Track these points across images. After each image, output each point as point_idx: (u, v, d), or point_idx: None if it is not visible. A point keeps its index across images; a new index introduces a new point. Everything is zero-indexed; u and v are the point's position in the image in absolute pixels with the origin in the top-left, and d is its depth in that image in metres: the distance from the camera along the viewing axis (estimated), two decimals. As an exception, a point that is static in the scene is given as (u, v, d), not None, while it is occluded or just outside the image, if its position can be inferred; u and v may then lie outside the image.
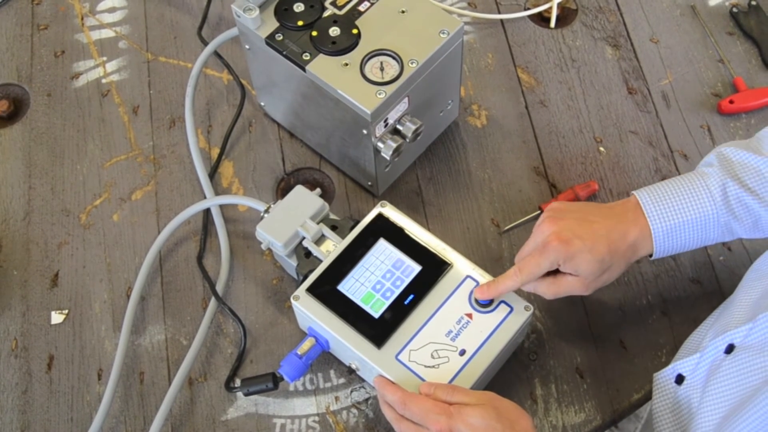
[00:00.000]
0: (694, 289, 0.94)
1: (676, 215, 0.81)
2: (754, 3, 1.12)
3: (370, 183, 0.99)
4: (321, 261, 0.88)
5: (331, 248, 0.89)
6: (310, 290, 0.85)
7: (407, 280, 0.86)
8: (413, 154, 1.02)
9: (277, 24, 0.91)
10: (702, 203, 0.81)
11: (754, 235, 0.84)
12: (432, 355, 0.82)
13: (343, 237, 0.89)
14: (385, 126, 0.90)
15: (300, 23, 0.90)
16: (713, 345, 0.77)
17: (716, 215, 0.82)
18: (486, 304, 0.84)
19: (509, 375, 0.89)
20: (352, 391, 0.90)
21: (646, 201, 0.82)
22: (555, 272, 0.84)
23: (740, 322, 0.75)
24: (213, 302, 0.94)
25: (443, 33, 0.90)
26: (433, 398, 0.78)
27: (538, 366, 0.90)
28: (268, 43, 0.90)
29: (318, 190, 0.93)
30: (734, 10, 1.12)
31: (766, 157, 0.82)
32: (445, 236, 0.95)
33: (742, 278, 0.84)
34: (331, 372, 0.91)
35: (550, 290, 0.84)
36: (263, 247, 0.90)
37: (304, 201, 0.91)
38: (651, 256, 0.84)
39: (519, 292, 0.88)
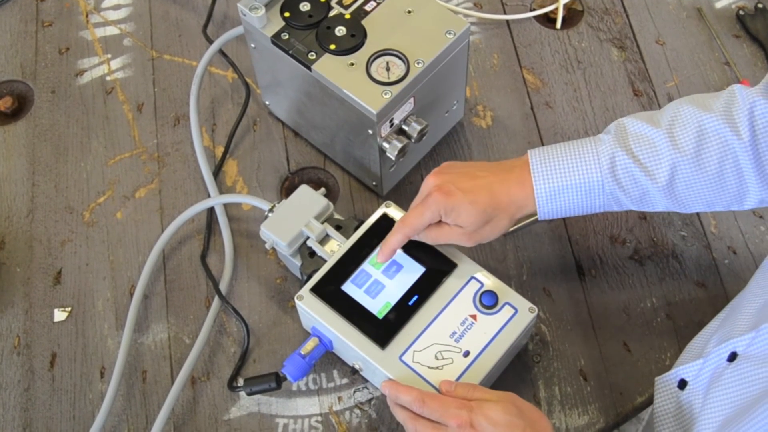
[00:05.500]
0: (698, 292, 0.94)
1: (561, 178, 0.81)
2: (760, 6, 1.12)
3: (374, 183, 0.99)
4: (325, 261, 0.88)
5: (336, 248, 0.89)
6: (314, 290, 0.85)
7: (411, 281, 0.86)
8: (418, 154, 1.02)
9: (282, 23, 0.91)
10: (588, 169, 0.81)
11: (641, 207, 0.83)
12: (436, 356, 0.82)
13: (347, 237, 0.89)
14: (391, 126, 0.90)
15: (306, 22, 0.90)
16: (716, 352, 0.76)
17: (601, 183, 0.81)
18: (491, 306, 0.84)
19: (513, 377, 0.89)
20: (355, 392, 0.90)
21: (534, 161, 0.82)
22: (439, 223, 0.85)
23: (744, 330, 0.75)
24: (216, 301, 0.94)
25: (449, 33, 0.89)
26: (453, 396, 0.78)
27: (542, 368, 0.90)
28: (273, 42, 0.90)
29: (323, 189, 0.93)
30: (741, 12, 1.12)
31: (662, 129, 0.80)
32: (450, 237, 0.95)
33: (748, 283, 0.84)
34: (335, 372, 0.91)
35: (431, 236, 0.85)
36: (267, 246, 0.90)
37: (309, 200, 0.91)
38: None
39: (523, 294, 0.88)
